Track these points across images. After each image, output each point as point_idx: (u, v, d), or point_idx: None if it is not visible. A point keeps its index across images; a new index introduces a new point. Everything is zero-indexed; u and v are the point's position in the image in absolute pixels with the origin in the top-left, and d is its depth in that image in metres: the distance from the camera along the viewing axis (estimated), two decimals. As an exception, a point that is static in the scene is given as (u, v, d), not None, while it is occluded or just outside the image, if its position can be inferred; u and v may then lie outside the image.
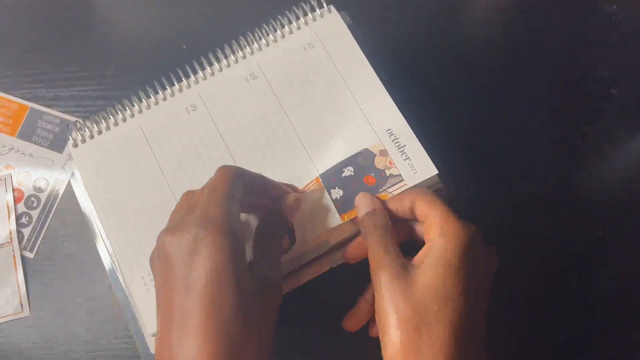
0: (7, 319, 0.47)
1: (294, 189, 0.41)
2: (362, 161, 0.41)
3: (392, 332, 0.32)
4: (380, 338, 0.34)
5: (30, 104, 0.51)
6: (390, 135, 0.41)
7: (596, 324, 0.45)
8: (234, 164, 0.42)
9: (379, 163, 0.41)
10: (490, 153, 0.49)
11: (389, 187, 0.40)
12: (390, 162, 0.40)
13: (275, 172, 0.42)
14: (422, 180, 0.40)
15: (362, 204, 0.39)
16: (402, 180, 0.40)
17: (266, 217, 0.38)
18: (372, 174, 0.40)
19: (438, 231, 0.34)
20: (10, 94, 0.52)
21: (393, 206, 0.38)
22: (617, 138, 0.49)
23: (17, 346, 0.46)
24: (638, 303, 0.45)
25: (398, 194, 0.39)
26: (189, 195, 0.37)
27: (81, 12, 0.54)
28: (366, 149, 0.41)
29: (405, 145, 0.41)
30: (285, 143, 0.43)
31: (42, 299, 0.47)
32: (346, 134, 0.42)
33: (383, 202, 0.39)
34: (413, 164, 0.40)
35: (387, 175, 0.40)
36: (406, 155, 0.40)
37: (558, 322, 0.45)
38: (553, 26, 0.53)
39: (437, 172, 0.40)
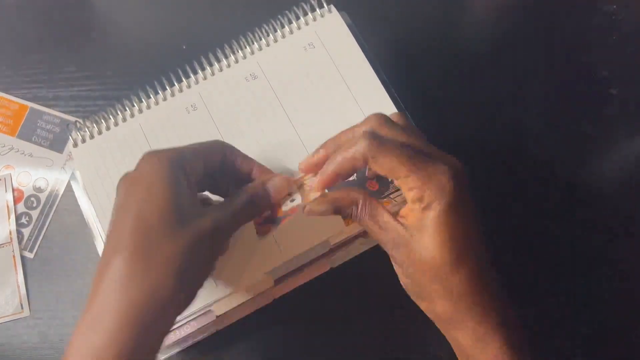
0: (7, 319, 0.47)
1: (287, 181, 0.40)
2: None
3: (419, 286, 0.34)
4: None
5: (30, 104, 0.51)
6: None
7: (598, 324, 0.45)
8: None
9: None
10: (490, 153, 0.49)
11: (391, 193, 0.39)
12: None
13: (275, 171, 0.42)
14: None
15: (348, 197, 0.36)
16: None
17: (252, 186, 0.37)
18: (375, 179, 0.40)
19: (422, 198, 0.33)
20: (10, 94, 0.52)
21: (346, 165, 0.35)
22: (617, 138, 0.49)
23: (17, 346, 0.46)
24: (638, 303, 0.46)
25: (345, 141, 0.37)
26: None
27: (81, 12, 0.54)
28: None
29: None
30: (286, 143, 0.43)
31: (42, 299, 0.47)
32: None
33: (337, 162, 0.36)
34: None
35: (389, 180, 0.39)
36: None
37: (559, 321, 0.45)
38: (553, 26, 0.53)
39: None
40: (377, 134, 0.34)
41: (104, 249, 0.33)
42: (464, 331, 0.33)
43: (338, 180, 0.36)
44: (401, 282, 0.36)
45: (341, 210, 0.36)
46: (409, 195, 0.33)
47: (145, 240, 0.31)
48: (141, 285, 0.30)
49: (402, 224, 0.34)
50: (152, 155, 0.34)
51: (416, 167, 0.33)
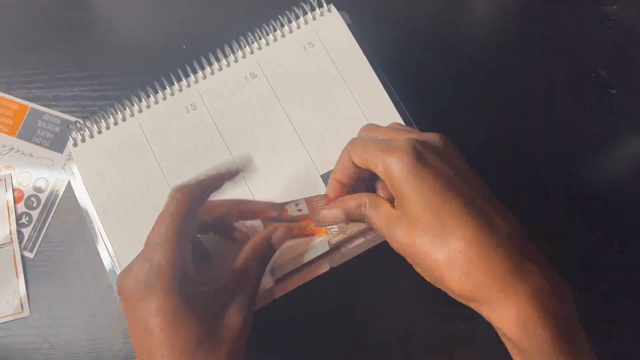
0: (7, 319, 0.47)
1: (271, 208, 0.41)
2: None
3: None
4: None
5: (30, 104, 0.51)
6: None
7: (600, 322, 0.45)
8: (234, 164, 0.42)
9: None
10: (490, 153, 0.49)
11: None
12: None
13: (275, 172, 0.42)
14: None
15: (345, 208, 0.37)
16: None
17: (252, 247, 0.38)
18: None
19: (392, 188, 0.34)
20: (11, 94, 0.52)
21: (346, 173, 0.37)
22: (617, 138, 0.49)
23: (17, 346, 0.46)
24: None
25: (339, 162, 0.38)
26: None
27: (81, 12, 0.54)
28: None
29: None
30: (285, 142, 0.43)
31: (42, 299, 0.47)
32: (346, 134, 0.42)
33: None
34: None
35: None
36: None
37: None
38: (553, 26, 0.53)
39: None
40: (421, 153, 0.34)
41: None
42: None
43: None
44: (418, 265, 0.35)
45: (351, 214, 0.37)
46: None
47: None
48: None
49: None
50: (158, 277, 0.33)
51: (386, 166, 0.34)
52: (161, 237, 0.34)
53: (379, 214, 0.35)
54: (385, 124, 0.41)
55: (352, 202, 0.37)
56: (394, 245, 0.35)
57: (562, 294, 0.31)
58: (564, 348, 0.30)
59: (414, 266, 0.34)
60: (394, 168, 0.33)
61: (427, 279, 0.34)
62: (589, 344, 0.31)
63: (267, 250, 0.38)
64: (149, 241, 0.34)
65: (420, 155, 0.33)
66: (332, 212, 0.37)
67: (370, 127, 0.38)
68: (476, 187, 0.33)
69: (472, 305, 0.32)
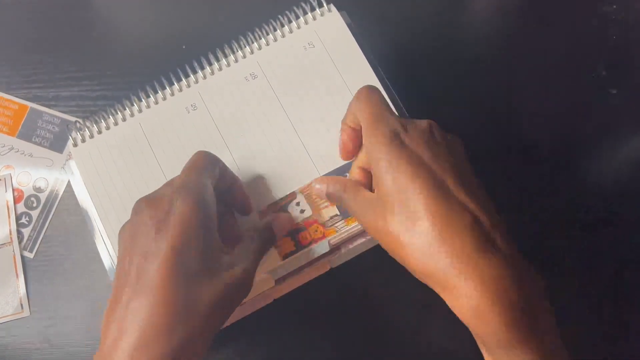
0: (7, 319, 0.47)
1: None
2: None
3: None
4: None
5: (30, 104, 0.51)
6: None
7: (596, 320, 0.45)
8: (234, 164, 0.42)
9: None
10: (490, 152, 0.49)
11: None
12: None
13: (275, 171, 0.42)
14: None
15: (330, 190, 0.39)
16: None
17: (258, 228, 0.39)
18: None
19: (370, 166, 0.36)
20: (10, 94, 0.52)
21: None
22: (617, 138, 0.49)
23: (17, 346, 0.46)
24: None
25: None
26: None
27: (81, 12, 0.54)
28: None
29: None
30: (286, 142, 0.43)
31: (42, 299, 0.47)
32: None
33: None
34: None
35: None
36: None
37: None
38: (553, 26, 0.53)
39: None
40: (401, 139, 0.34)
41: (118, 287, 0.32)
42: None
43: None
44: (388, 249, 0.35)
45: (331, 196, 0.39)
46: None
47: (182, 290, 0.30)
48: (176, 337, 0.30)
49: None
50: (187, 196, 0.33)
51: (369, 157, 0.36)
52: (190, 170, 0.35)
53: (355, 197, 0.36)
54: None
55: (333, 185, 0.38)
56: (367, 228, 0.35)
57: (528, 285, 0.30)
58: (523, 337, 0.29)
59: (388, 252, 0.34)
60: (371, 148, 0.34)
61: (397, 260, 0.34)
62: (559, 339, 0.31)
63: (268, 237, 0.39)
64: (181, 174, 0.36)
65: (397, 136, 0.34)
66: (318, 187, 0.40)
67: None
68: (452, 171, 0.33)
69: (435, 289, 0.32)
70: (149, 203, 0.34)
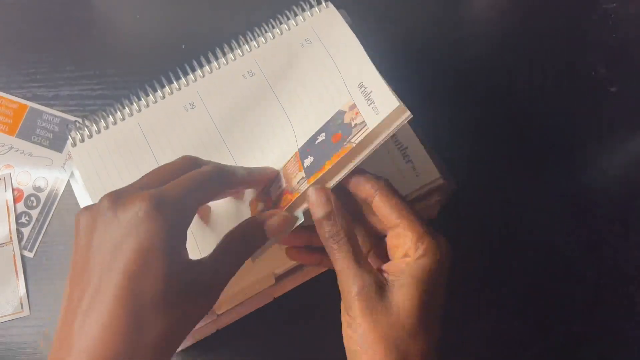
0: (7, 318, 0.47)
1: (269, 172, 0.39)
2: (333, 123, 0.39)
3: (369, 350, 0.33)
4: (351, 357, 0.34)
5: (29, 103, 0.51)
6: (361, 89, 0.38)
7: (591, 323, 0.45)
8: (233, 162, 0.42)
9: (347, 118, 0.38)
10: (490, 152, 0.49)
11: (352, 138, 0.36)
12: (356, 113, 0.37)
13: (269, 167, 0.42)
14: (383, 118, 0.35)
15: (316, 204, 0.35)
16: (365, 125, 0.35)
17: (243, 226, 0.35)
18: (340, 131, 0.37)
19: (413, 248, 0.33)
20: (10, 93, 0.52)
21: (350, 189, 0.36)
22: (617, 137, 0.49)
23: (17, 346, 0.46)
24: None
25: (354, 178, 0.36)
26: (161, 169, 0.35)
27: (81, 11, 0.54)
28: (339, 110, 0.39)
29: (372, 92, 0.37)
30: (284, 140, 0.43)
31: (42, 299, 0.47)
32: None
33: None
34: (376, 106, 0.36)
35: (352, 126, 0.36)
36: (371, 100, 0.37)
37: (560, 323, 0.45)
38: (553, 25, 0.53)
39: (398, 104, 0.34)
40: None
41: (78, 286, 0.30)
42: None
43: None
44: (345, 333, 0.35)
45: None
46: (396, 244, 0.34)
47: (132, 325, 0.28)
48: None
49: (382, 271, 0.34)
50: (157, 216, 0.30)
51: (415, 220, 0.33)
52: (178, 186, 0.32)
53: (347, 264, 0.35)
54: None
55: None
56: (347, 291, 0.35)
57: None
58: None
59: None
60: (425, 257, 0.33)
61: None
62: None
63: (258, 236, 0.35)
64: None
65: (444, 275, 0.33)
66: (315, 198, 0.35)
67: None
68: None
69: None
70: (113, 204, 0.30)
